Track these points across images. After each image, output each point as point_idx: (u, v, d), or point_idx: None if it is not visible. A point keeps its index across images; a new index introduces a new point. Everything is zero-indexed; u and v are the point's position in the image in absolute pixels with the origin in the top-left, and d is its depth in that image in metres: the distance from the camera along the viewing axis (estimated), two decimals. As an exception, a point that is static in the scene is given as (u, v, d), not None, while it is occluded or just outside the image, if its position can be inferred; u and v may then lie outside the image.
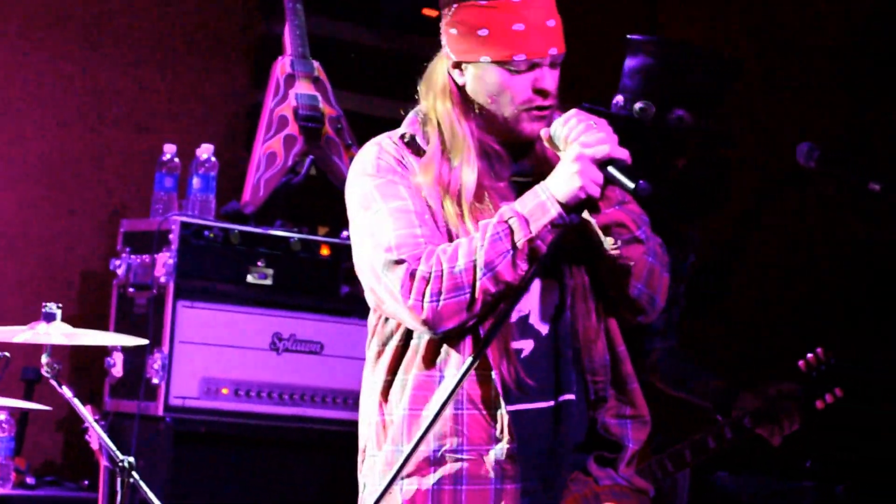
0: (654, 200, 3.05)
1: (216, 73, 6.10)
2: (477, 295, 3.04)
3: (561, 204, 3.04)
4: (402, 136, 3.24)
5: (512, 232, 3.04)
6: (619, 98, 4.44)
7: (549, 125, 3.16)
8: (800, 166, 3.81)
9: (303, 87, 5.86)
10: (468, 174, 3.17)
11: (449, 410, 3.11)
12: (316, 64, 5.90)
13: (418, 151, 3.22)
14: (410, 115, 3.29)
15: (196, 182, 5.54)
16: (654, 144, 4.34)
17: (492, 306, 3.07)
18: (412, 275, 3.05)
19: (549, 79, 3.16)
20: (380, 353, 3.23)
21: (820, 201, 5.70)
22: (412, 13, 6.58)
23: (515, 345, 3.15)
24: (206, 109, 6.04)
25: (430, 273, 3.04)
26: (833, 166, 3.59)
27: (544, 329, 3.20)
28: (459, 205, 3.15)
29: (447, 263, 3.05)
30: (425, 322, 3.06)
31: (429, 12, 6.56)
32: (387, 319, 3.21)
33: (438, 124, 3.22)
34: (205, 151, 5.58)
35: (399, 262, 3.07)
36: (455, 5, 3.18)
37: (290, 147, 5.80)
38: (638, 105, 4.39)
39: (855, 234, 5.58)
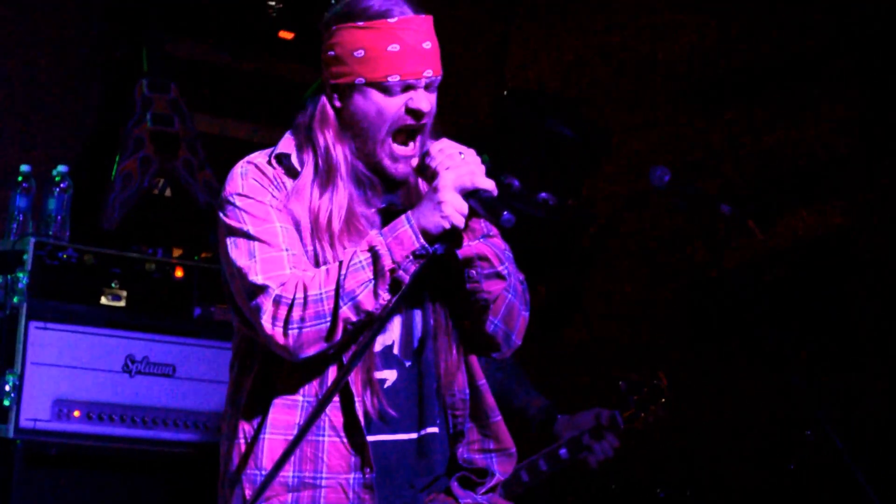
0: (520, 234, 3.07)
1: (71, 93, 6.04)
2: (338, 323, 3.04)
3: (424, 234, 3.05)
4: (278, 157, 3.22)
5: (374, 261, 3.04)
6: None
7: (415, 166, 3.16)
8: (652, 188, 3.89)
9: (159, 109, 5.84)
10: (339, 200, 3.16)
11: (310, 436, 3.12)
12: (173, 86, 5.89)
13: (292, 172, 3.20)
14: (287, 133, 3.27)
15: (51, 203, 5.48)
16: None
17: (353, 335, 3.08)
18: (276, 301, 3.04)
19: (424, 100, 3.15)
20: (242, 376, 3.22)
21: (668, 224, 5.79)
22: (268, 35, 6.60)
23: (379, 375, 3.16)
24: (60, 130, 5.98)
25: (293, 299, 3.04)
26: (684, 189, 3.66)
27: (408, 361, 3.22)
28: (329, 230, 3.14)
29: (310, 290, 3.04)
30: (286, 348, 3.06)
31: (284, 35, 6.58)
32: (251, 341, 3.20)
33: (314, 147, 3.20)
34: (60, 172, 5.52)
35: (263, 287, 3.06)
36: (334, 27, 3.18)
37: (146, 168, 5.78)
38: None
39: (700, 257, 5.69)
